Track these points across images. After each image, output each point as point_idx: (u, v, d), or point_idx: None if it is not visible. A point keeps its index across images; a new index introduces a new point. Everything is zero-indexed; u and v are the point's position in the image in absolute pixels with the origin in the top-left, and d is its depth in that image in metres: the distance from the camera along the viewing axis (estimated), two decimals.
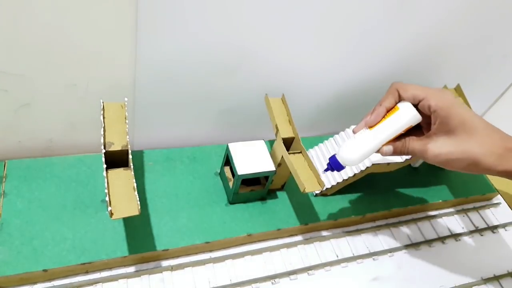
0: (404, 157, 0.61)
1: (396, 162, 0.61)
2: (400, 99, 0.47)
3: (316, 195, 0.64)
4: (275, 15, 0.53)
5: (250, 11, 0.51)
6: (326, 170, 0.51)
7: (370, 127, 0.48)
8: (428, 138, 0.46)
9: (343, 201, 0.64)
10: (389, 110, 0.47)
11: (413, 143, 0.47)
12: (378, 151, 0.48)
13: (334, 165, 0.50)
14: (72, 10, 0.44)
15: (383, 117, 0.47)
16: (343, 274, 0.58)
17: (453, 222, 0.70)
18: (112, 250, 0.50)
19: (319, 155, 0.66)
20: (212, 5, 0.48)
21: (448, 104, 0.43)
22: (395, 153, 0.48)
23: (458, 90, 0.68)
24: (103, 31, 0.47)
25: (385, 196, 0.67)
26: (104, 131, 0.48)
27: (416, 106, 0.46)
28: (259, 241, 0.58)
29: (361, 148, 0.48)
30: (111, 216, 0.42)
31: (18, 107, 0.52)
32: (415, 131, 0.48)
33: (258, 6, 0.50)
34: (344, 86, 0.64)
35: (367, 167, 0.59)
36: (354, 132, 0.49)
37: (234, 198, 0.58)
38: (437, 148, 0.45)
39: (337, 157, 0.49)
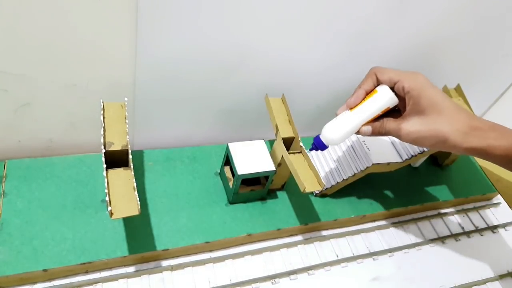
0: (404, 157, 0.61)
1: (396, 162, 0.61)
2: (378, 82, 0.50)
3: (316, 195, 0.64)
4: (275, 15, 0.53)
5: (251, 10, 0.51)
6: (311, 149, 0.54)
7: (351, 108, 0.51)
8: (402, 119, 0.49)
9: (343, 201, 0.64)
10: (368, 93, 0.50)
11: (389, 123, 0.50)
12: (358, 132, 0.51)
13: (318, 144, 0.52)
14: (72, 10, 0.44)
15: (363, 99, 0.50)
16: (343, 274, 0.58)
17: (453, 222, 0.70)
18: (112, 250, 0.50)
19: (319, 155, 0.66)
20: (212, 5, 0.48)
21: (420, 86, 0.47)
22: (373, 133, 0.51)
23: (458, 90, 0.68)
24: (103, 31, 0.47)
25: (385, 196, 0.67)
26: (104, 131, 0.48)
27: (392, 88, 0.49)
28: (259, 241, 0.58)
29: (342, 128, 0.51)
30: (111, 216, 0.42)
31: (18, 107, 0.52)
32: (393, 113, 0.51)
33: (258, 6, 0.50)
34: (344, 86, 0.64)
35: (367, 167, 0.59)
36: (336, 114, 0.52)
37: (234, 198, 0.58)
38: (409, 126, 0.48)
39: (320, 137, 0.52)
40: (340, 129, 0.51)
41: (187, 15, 0.48)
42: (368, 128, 0.50)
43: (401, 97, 0.49)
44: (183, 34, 0.50)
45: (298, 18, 0.54)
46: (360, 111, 0.50)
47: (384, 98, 0.49)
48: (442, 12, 0.61)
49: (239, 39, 0.54)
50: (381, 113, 0.50)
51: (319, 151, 0.54)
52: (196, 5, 0.48)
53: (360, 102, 0.50)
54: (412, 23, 0.61)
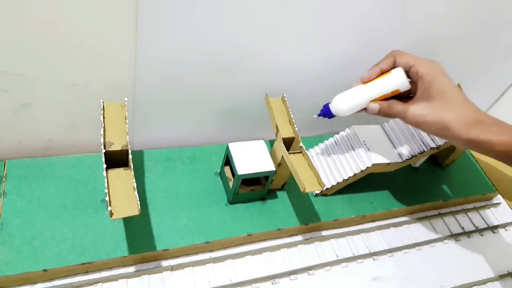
0: (405, 157, 0.61)
1: (396, 162, 0.61)
2: (395, 64, 0.52)
3: (316, 195, 0.64)
4: (276, 14, 0.53)
5: (251, 9, 0.51)
6: (318, 115, 0.56)
7: (364, 82, 0.53)
8: (411, 102, 0.51)
9: (343, 201, 0.64)
10: (383, 72, 0.52)
11: (397, 105, 0.51)
12: (365, 109, 0.53)
13: (325, 112, 0.55)
14: (72, 10, 0.44)
15: (377, 76, 0.52)
16: (343, 274, 0.58)
17: (453, 222, 0.70)
18: (112, 250, 0.50)
19: (319, 155, 0.66)
20: (212, 5, 0.48)
21: (433, 73, 0.49)
22: (380, 111, 0.52)
23: None
24: (103, 31, 0.47)
25: (385, 196, 0.67)
26: (104, 131, 0.48)
27: (408, 72, 0.51)
28: (259, 241, 0.58)
29: (352, 100, 0.53)
30: (111, 216, 0.42)
31: (18, 107, 0.52)
32: (403, 99, 0.52)
33: (259, 5, 0.50)
34: (344, 86, 0.64)
35: (367, 167, 0.59)
36: (352, 87, 0.54)
37: (234, 198, 0.58)
38: (416, 110, 0.49)
39: (330, 105, 0.54)
40: (349, 101, 0.53)
41: (186, 16, 0.48)
42: (376, 106, 0.52)
43: (414, 81, 0.51)
44: (183, 35, 0.50)
45: (299, 17, 0.54)
46: (371, 87, 0.52)
47: (396, 80, 0.51)
48: (442, 12, 0.61)
49: (239, 39, 0.54)
50: (390, 94, 0.52)
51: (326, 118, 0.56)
52: (195, 5, 0.48)
53: (374, 79, 0.52)
54: (412, 24, 0.61)
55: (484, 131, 0.46)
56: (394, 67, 0.52)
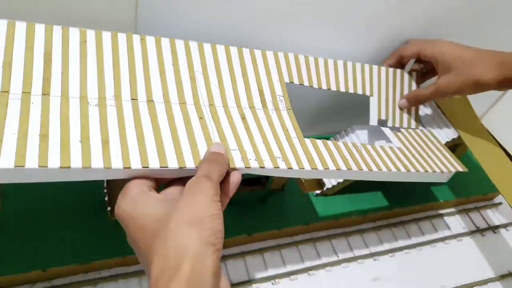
0: None
1: None
2: (401, 58, 0.58)
3: (317, 195, 0.63)
4: (276, 13, 0.52)
5: (252, 9, 0.51)
6: None
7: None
8: (437, 80, 0.55)
9: (343, 201, 0.64)
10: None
11: (423, 90, 0.56)
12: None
13: None
14: (72, 9, 0.44)
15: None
16: (344, 274, 0.58)
17: (454, 222, 0.69)
18: (112, 250, 0.50)
19: None
20: (213, 3, 0.48)
21: (439, 49, 0.54)
22: (410, 105, 0.57)
23: None
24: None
25: (385, 196, 0.66)
26: None
27: (420, 58, 0.57)
28: (259, 241, 0.58)
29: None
30: (110, 216, 0.42)
31: None
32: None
33: (259, 4, 0.50)
34: None
35: None
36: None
37: (234, 198, 0.58)
38: (445, 81, 0.53)
39: None
40: None
41: (187, 15, 0.48)
42: (403, 101, 0.57)
43: (428, 63, 0.57)
44: (183, 33, 0.50)
45: (300, 17, 0.54)
46: None
47: None
48: (442, 12, 0.61)
49: (240, 38, 0.54)
50: None
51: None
52: (196, 4, 0.47)
53: None
54: (413, 24, 0.61)
55: (508, 68, 0.49)
56: (401, 62, 0.58)
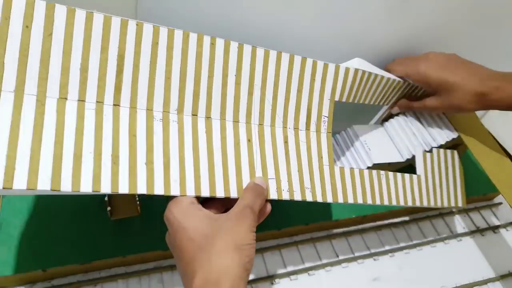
0: (405, 157, 0.61)
1: (397, 162, 0.61)
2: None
3: None
4: (277, 13, 0.52)
5: (253, 8, 0.51)
6: None
7: None
8: (425, 97, 0.57)
9: None
10: None
11: (415, 102, 0.59)
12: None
13: None
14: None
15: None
16: (343, 274, 0.58)
17: (454, 222, 0.69)
18: (112, 250, 0.50)
19: None
20: (213, 3, 0.48)
21: (423, 75, 0.54)
22: (400, 107, 0.61)
23: None
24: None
25: None
26: None
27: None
28: (259, 241, 0.58)
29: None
30: (111, 216, 0.42)
31: None
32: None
33: (260, 3, 0.50)
34: None
35: (368, 167, 0.59)
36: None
37: None
38: (431, 103, 0.56)
39: None
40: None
41: (187, 13, 0.48)
42: (395, 109, 0.61)
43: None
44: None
45: (300, 16, 0.54)
46: None
47: None
48: (442, 12, 0.61)
49: (241, 37, 0.54)
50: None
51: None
52: (196, 3, 0.47)
53: None
54: (413, 24, 0.61)
55: (488, 100, 0.51)
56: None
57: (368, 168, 0.59)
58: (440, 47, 0.60)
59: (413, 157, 0.61)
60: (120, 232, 0.52)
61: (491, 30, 0.69)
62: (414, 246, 0.64)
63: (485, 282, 0.61)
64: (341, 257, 0.59)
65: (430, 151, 0.60)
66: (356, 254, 0.60)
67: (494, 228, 0.69)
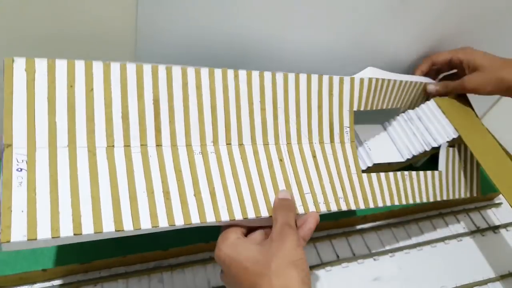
0: (406, 157, 0.61)
1: (398, 162, 0.61)
2: (433, 64, 0.63)
3: None
4: (278, 13, 0.52)
5: (254, 7, 0.50)
6: None
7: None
8: (464, 76, 0.60)
9: None
10: (424, 74, 0.64)
11: (452, 82, 0.62)
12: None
13: None
14: (72, 9, 0.44)
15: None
16: (343, 274, 0.58)
17: (454, 222, 0.69)
18: (112, 250, 0.50)
19: None
20: (214, 2, 0.48)
21: (470, 53, 0.60)
22: (437, 92, 0.63)
23: None
24: (103, 29, 0.47)
25: None
26: None
27: (450, 64, 0.62)
28: None
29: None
30: None
31: None
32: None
33: (262, 3, 0.50)
34: None
35: (368, 167, 0.59)
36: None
37: None
38: (471, 78, 0.59)
39: None
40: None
41: (186, 12, 0.48)
42: (433, 87, 0.63)
43: (460, 68, 0.62)
44: (183, 32, 0.50)
45: (301, 15, 0.54)
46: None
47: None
48: (442, 12, 0.61)
49: (241, 36, 0.54)
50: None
51: None
52: (197, 2, 0.47)
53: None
54: (414, 24, 0.61)
55: None
56: (431, 67, 0.64)
57: (368, 168, 0.59)
58: (448, 49, 0.63)
59: (413, 157, 0.61)
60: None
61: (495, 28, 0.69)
62: (414, 246, 0.64)
63: (485, 282, 0.62)
64: (341, 257, 0.59)
65: (453, 145, 0.62)
66: (356, 254, 0.60)
67: (494, 228, 0.69)
